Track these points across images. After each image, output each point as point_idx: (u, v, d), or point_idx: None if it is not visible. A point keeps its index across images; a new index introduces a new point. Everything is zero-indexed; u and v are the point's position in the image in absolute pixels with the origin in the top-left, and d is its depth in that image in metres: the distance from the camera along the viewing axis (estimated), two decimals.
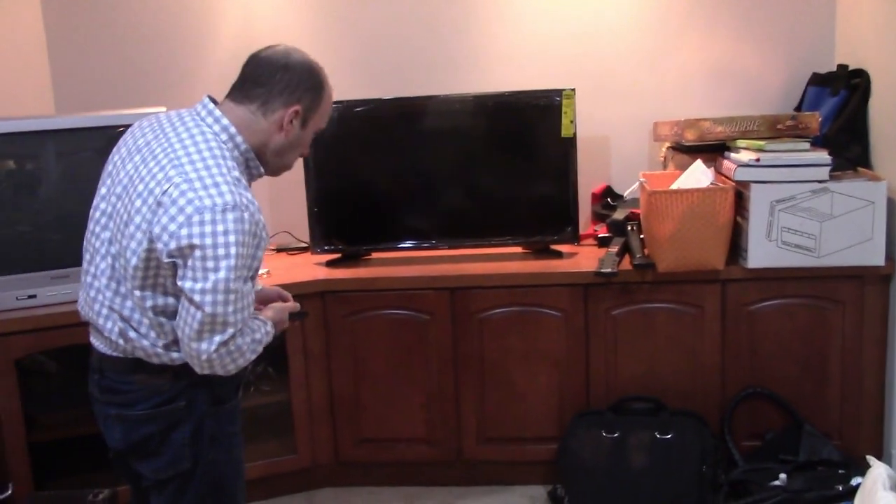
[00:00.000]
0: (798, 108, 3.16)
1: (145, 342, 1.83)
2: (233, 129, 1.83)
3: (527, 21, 3.25)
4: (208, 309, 1.72)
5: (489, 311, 2.89)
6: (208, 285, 1.71)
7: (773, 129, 2.82)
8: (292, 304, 2.05)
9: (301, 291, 2.81)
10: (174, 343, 1.83)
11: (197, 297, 1.71)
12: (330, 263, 3.08)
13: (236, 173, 1.80)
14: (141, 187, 1.78)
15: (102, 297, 1.87)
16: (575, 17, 3.24)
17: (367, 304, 2.92)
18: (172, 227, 1.71)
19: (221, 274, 1.71)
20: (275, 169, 1.94)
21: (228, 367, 1.81)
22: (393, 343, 2.92)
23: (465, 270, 2.91)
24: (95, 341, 1.95)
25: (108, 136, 2.33)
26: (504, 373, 2.91)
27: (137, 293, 1.80)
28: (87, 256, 1.94)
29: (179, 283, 1.73)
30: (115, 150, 1.95)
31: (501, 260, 3.00)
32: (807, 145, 2.74)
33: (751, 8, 3.18)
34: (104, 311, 1.87)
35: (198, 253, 1.70)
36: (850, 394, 2.83)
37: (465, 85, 3.24)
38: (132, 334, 1.83)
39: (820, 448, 2.75)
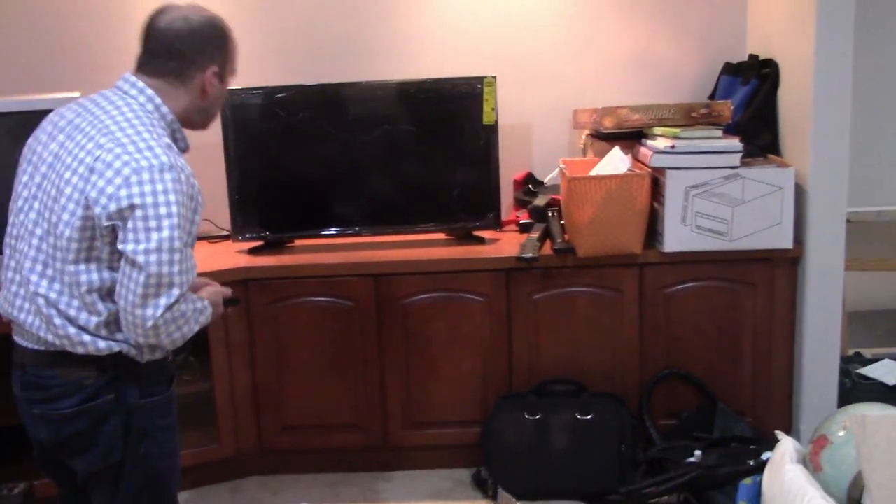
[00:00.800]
0: (711, 97, 3.25)
1: (71, 329, 1.77)
2: (158, 99, 1.84)
3: (448, 9, 3.27)
4: (153, 269, 1.69)
5: (413, 298, 2.91)
6: (152, 245, 1.69)
7: (688, 117, 2.90)
8: (225, 290, 2.04)
9: (223, 279, 2.77)
10: (106, 324, 1.79)
11: (141, 258, 1.69)
12: (252, 251, 3.06)
13: (167, 139, 1.81)
14: (69, 160, 1.76)
15: (25, 289, 1.81)
16: (496, 6, 3.27)
17: (291, 292, 2.91)
18: (110, 189, 1.69)
19: (165, 233, 1.70)
20: (203, 124, 1.97)
21: (174, 335, 1.78)
22: (317, 330, 2.92)
23: (388, 257, 2.93)
24: (17, 337, 1.89)
25: (23, 121, 2.26)
26: (428, 358, 2.94)
27: (71, 268, 1.75)
28: (7, 252, 1.90)
29: (121, 247, 1.70)
30: (31, 139, 1.92)
31: (425, 246, 3.02)
32: (719, 133, 2.82)
33: None
34: (26, 304, 1.83)
35: (139, 213, 1.69)
36: (760, 372, 2.94)
37: (387, 72, 3.25)
38: (58, 321, 1.77)
39: (733, 425, 2.85)
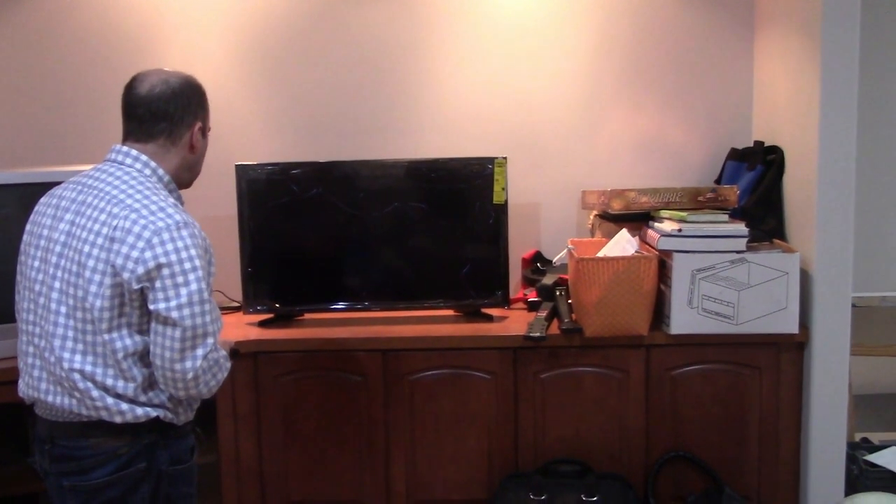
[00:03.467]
0: (717, 181, 3.31)
1: (109, 400, 1.82)
2: (153, 164, 1.95)
3: (461, 90, 3.36)
4: (188, 322, 1.78)
5: (420, 374, 2.92)
6: (183, 300, 1.79)
7: (695, 201, 2.95)
8: (230, 340, 2.19)
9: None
10: (143, 389, 1.84)
11: (174, 314, 1.78)
12: (262, 323, 3.09)
13: (171, 200, 1.91)
14: (85, 234, 1.83)
15: (56, 368, 1.84)
16: (508, 88, 3.36)
17: (299, 365, 2.93)
18: (135, 253, 1.79)
19: (193, 286, 1.80)
20: (190, 181, 2.08)
21: (210, 382, 1.86)
22: (324, 404, 2.93)
23: (396, 333, 2.95)
24: (42, 412, 1.92)
25: (33, 192, 2.29)
26: (434, 435, 2.94)
27: (105, 337, 1.82)
28: (23, 339, 1.95)
29: (152, 307, 1.79)
30: (30, 226, 1.98)
31: (433, 322, 3.05)
32: (726, 217, 2.87)
33: (674, 86, 3.35)
34: (53, 387, 1.86)
35: (165, 271, 1.79)
36: (767, 457, 2.93)
37: (399, 150, 3.34)
38: (95, 393, 1.82)
39: None
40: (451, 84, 3.37)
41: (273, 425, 2.94)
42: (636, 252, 2.85)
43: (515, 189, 3.25)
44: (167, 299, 1.78)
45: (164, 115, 1.95)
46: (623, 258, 2.80)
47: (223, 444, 2.91)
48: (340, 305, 3.12)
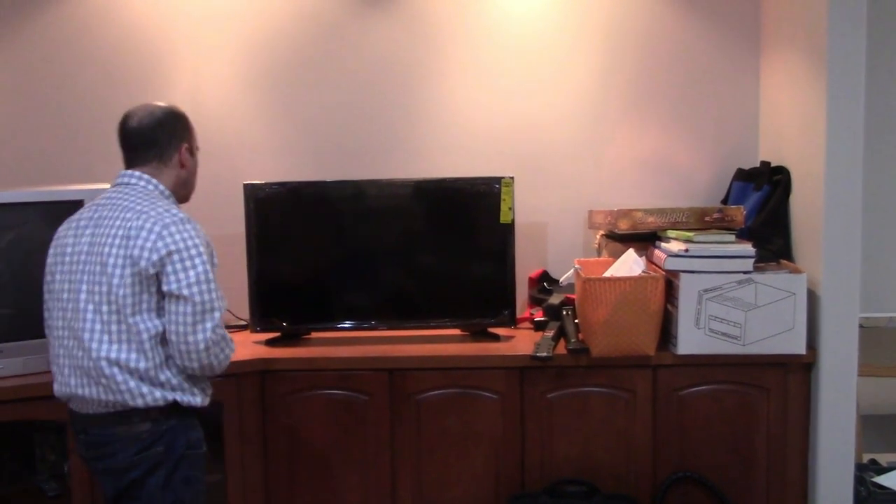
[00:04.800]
0: (724, 202, 3.32)
1: (132, 383, 2.13)
2: (154, 181, 2.30)
3: (469, 111, 3.38)
4: (197, 298, 2.13)
5: (426, 393, 2.92)
6: (192, 279, 2.13)
7: (701, 221, 2.96)
8: None
9: (240, 370, 2.83)
10: (161, 367, 2.17)
11: (185, 291, 2.12)
12: (269, 342, 3.10)
13: (174, 207, 2.28)
14: (104, 238, 2.18)
15: (84, 362, 2.15)
16: (516, 108, 3.38)
17: (306, 384, 2.93)
18: (149, 244, 2.14)
19: (200, 268, 2.15)
20: (185, 197, 2.43)
21: (220, 355, 2.20)
22: (331, 423, 2.93)
23: (403, 352, 2.95)
24: (75, 406, 2.23)
25: (57, 210, 2.56)
26: (441, 454, 2.93)
27: (130, 320, 2.14)
28: (54, 343, 2.25)
29: (165, 289, 2.13)
30: (54, 250, 2.30)
31: (440, 342, 3.05)
32: (732, 237, 2.87)
33: (681, 106, 3.36)
34: (83, 379, 2.17)
35: (175, 257, 2.14)
36: (774, 478, 2.91)
37: (407, 170, 3.35)
38: (119, 377, 2.13)
39: None
40: (459, 104, 3.39)
41: (279, 444, 2.94)
42: (643, 272, 2.85)
43: (522, 209, 3.26)
44: (178, 280, 2.12)
45: (154, 141, 2.30)
46: (630, 278, 2.80)
47: (230, 463, 2.91)
48: (347, 324, 3.12)
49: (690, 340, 2.82)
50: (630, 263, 2.91)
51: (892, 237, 3.24)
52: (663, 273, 2.85)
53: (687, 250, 2.82)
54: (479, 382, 2.91)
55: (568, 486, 2.89)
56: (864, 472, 3.01)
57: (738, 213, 2.97)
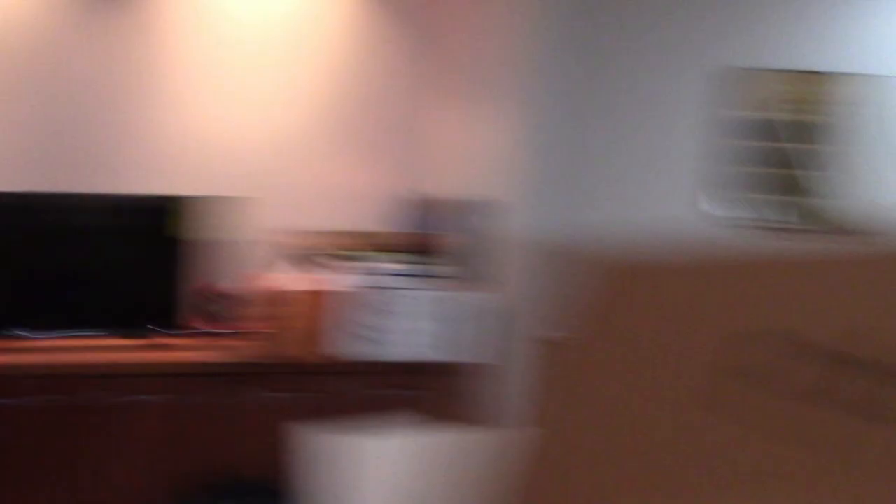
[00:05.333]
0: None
1: None
2: None
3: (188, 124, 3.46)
4: None
5: (88, 401, 2.93)
6: None
7: (368, 245, 3.17)
8: None
9: None
10: None
11: None
12: None
13: None
14: None
15: None
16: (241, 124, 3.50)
17: None
18: None
19: None
20: None
21: None
22: None
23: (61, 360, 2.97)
24: None
25: None
26: (98, 463, 2.94)
27: None
28: None
29: None
30: None
31: (101, 351, 3.06)
32: (404, 257, 3.10)
33: (371, 132, 3.58)
34: None
35: None
36: None
37: (114, 185, 3.33)
38: None
39: None
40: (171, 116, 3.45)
41: None
42: (311, 287, 3.02)
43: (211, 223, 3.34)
44: None
45: None
46: (292, 291, 2.97)
47: None
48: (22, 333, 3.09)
49: (347, 347, 3.00)
50: (297, 277, 3.07)
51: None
52: (328, 288, 3.02)
53: (352, 267, 3.02)
54: (140, 388, 2.96)
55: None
56: None
57: (398, 237, 3.20)
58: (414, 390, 3.08)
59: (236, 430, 3.00)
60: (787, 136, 3.37)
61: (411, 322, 3.01)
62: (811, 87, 3.37)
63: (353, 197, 3.58)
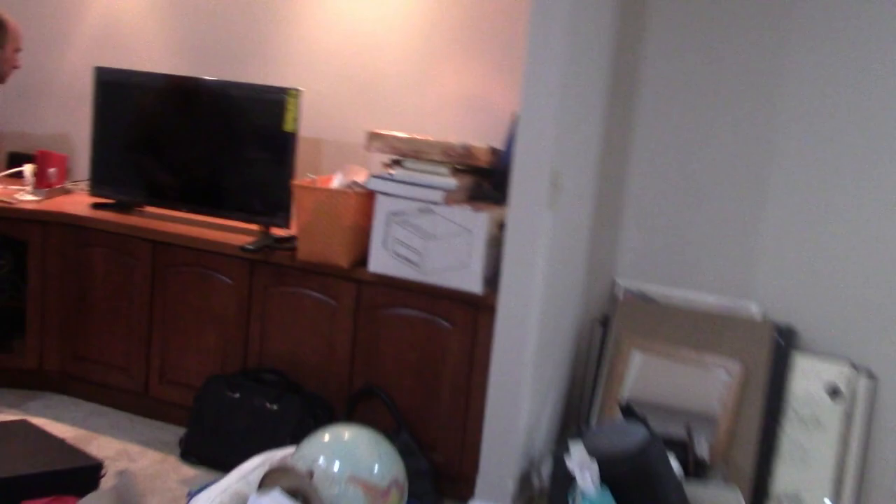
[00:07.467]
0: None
1: None
2: None
3: (303, 23, 3.61)
4: None
5: (178, 267, 3.30)
6: None
7: (445, 155, 3.00)
8: None
9: (50, 219, 3.43)
10: None
11: None
12: (96, 206, 3.59)
13: None
14: None
15: None
16: (351, 29, 3.55)
17: (94, 240, 3.42)
18: None
19: None
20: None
21: None
22: (107, 277, 3.41)
23: (170, 229, 3.33)
24: None
25: None
26: (183, 324, 3.30)
27: None
28: None
29: None
30: None
31: (221, 230, 3.37)
32: (446, 171, 2.91)
33: (505, 47, 3.34)
34: None
35: None
36: (456, 412, 2.96)
37: (250, 75, 3.64)
38: None
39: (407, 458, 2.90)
40: (298, 14, 3.61)
41: (71, 285, 3.46)
42: (346, 187, 2.99)
43: (317, 122, 3.46)
44: None
45: None
46: (324, 190, 2.96)
47: (31, 293, 3.48)
48: (158, 202, 3.57)
49: (378, 259, 2.93)
50: (344, 177, 3.05)
51: (691, 215, 3.07)
52: (364, 191, 2.96)
53: (392, 174, 2.92)
54: (218, 266, 3.23)
55: (267, 374, 3.15)
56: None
57: (483, 153, 2.97)
58: (451, 322, 2.92)
59: (290, 323, 3.14)
60: None
61: (437, 241, 2.83)
62: None
63: (467, 109, 3.40)
